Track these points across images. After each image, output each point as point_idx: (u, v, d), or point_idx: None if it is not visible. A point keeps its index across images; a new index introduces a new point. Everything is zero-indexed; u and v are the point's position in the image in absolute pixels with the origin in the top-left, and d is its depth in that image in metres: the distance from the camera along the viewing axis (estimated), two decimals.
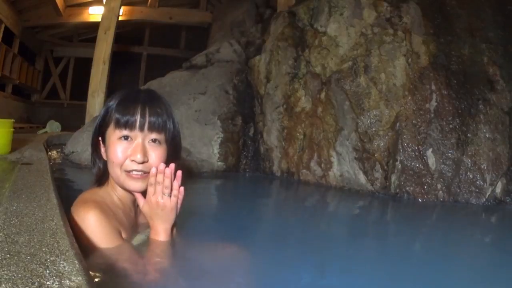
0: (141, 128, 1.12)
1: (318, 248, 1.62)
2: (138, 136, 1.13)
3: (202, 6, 8.03)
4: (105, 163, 1.20)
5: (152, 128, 1.13)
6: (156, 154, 1.14)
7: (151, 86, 3.96)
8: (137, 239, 1.23)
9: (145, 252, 1.19)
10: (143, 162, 1.12)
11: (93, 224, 1.05)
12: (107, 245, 1.07)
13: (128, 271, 1.06)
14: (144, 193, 1.21)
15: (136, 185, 1.15)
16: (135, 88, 1.23)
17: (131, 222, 1.24)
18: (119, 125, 1.12)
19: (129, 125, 1.11)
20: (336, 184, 3.09)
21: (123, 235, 1.14)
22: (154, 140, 1.14)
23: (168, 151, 1.19)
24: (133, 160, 1.12)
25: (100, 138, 1.20)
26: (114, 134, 1.13)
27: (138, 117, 1.12)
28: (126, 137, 1.12)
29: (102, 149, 1.20)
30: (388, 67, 2.94)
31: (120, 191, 1.20)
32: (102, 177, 1.22)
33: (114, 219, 1.12)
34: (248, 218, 2.13)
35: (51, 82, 10.08)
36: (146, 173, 1.14)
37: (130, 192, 1.20)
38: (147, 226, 1.30)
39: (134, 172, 1.13)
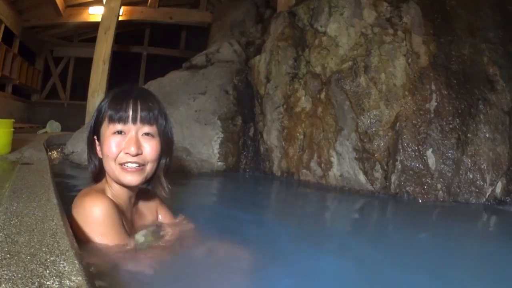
0: (134, 122, 1.15)
1: (317, 248, 1.62)
2: (131, 130, 1.15)
3: (202, 6, 8.02)
4: (100, 161, 1.21)
5: (144, 121, 1.16)
6: (149, 145, 1.16)
7: (151, 86, 3.96)
8: (136, 238, 1.23)
9: (147, 251, 1.19)
10: (137, 155, 1.14)
11: (101, 214, 1.06)
12: (114, 236, 1.07)
13: (130, 270, 1.06)
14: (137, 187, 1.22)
15: (131, 178, 1.16)
16: (126, 85, 1.24)
17: (128, 219, 1.24)
18: (112, 120, 1.14)
19: (122, 120, 1.14)
20: (336, 184, 3.09)
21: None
22: (147, 133, 1.17)
23: (162, 145, 1.20)
24: (127, 153, 1.13)
25: (95, 137, 1.21)
26: (108, 130, 1.15)
27: (130, 111, 1.14)
28: (119, 132, 1.15)
29: (98, 147, 1.21)
30: (388, 67, 2.94)
31: (116, 188, 1.20)
32: (98, 174, 1.24)
33: (119, 211, 1.13)
34: (248, 218, 2.12)
35: (51, 82, 10.07)
36: (141, 166, 1.16)
37: (126, 187, 1.21)
38: (143, 226, 1.30)
39: (129, 165, 1.15)
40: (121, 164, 1.14)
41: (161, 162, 1.23)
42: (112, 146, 1.14)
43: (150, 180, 1.24)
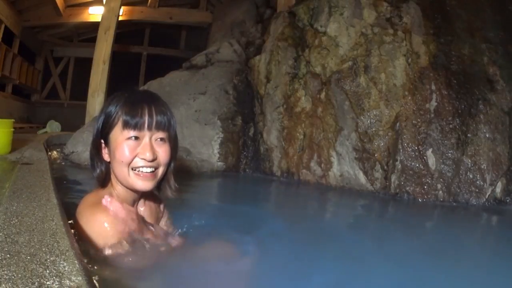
0: (149, 128, 1.15)
1: (317, 248, 1.62)
2: (146, 135, 1.15)
3: (202, 6, 8.02)
4: (107, 165, 1.20)
5: (159, 127, 1.16)
6: (163, 150, 1.17)
7: (151, 86, 3.96)
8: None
9: (148, 253, 1.19)
10: (152, 160, 1.14)
11: (111, 227, 1.07)
12: (123, 246, 1.08)
13: (130, 271, 1.06)
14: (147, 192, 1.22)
15: (145, 184, 1.16)
16: (135, 89, 1.24)
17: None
18: (128, 126, 1.13)
19: (138, 126, 1.13)
20: (336, 184, 3.09)
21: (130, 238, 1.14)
22: (161, 139, 1.17)
23: (171, 149, 1.20)
24: (142, 158, 1.14)
25: (102, 141, 1.20)
26: (121, 135, 1.14)
27: (146, 118, 1.14)
28: (135, 137, 1.14)
29: (104, 152, 1.20)
30: (388, 67, 2.94)
31: (121, 192, 1.20)
32: (105, 179, 1.23)
33: (126, 223, 1.13)
34: (248, 218, 2.12)
35: (51, 82, 10.07)
36: (155, 171, 1.17)
37: (133, 191, 1.20)
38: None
39: (144, 170, 1.15)
40: (134, 169, 1.15)
41: (170, 165, 1.24)
42: (126, 151, 1.13)
43: (160, 183, 1.24)
